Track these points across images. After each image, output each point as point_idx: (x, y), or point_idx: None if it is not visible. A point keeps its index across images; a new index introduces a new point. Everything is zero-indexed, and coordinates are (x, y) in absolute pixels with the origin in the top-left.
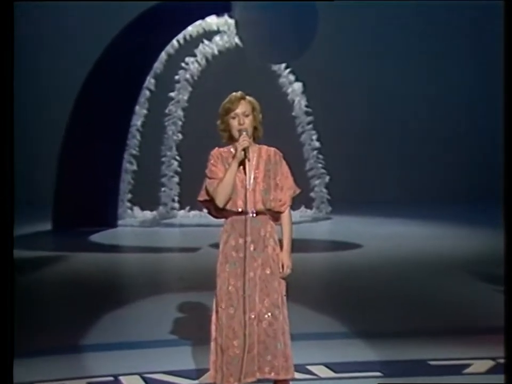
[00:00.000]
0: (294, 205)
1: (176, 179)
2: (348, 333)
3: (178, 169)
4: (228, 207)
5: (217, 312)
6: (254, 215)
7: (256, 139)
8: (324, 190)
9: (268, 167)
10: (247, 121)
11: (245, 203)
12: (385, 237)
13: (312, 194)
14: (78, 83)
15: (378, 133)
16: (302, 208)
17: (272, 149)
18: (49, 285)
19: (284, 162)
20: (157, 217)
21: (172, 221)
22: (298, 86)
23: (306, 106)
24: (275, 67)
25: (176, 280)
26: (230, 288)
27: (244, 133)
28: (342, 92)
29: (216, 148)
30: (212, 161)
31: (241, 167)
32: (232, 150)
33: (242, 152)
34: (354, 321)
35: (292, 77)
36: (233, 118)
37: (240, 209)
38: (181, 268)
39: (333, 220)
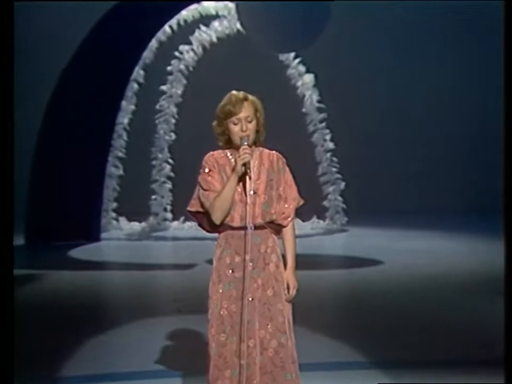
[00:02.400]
0: (305, 216)
1: (169, 185)
2: (365, 362)
3: (171, 174)
4: (224, 221)
5: (208, 339)
6: (252, 229)
7: (257, 143)
8: (339, 198)
9: (271, 176)
10: (251, 127)
11: (245, 218)
12: (409, 252)
13: (325, 203)
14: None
15: (400, 133)
16: (314, 219)
17: (275, 153)
18: (21, 308)
19: (287, 169)
20: (146, 229)
21: (164, 234)
22: (309, 78)
23: (319, 101)
24: (282, 57)
25: (168, 301)
26: (222, 312)
27: (245, 143)
28: (359, 85)
29: (210, 153)
30: (206, 169)
31: (245, 180)
32: (229, 154)
33: (243, 168)
34: (373, 348)
35: (301, 68)
36: (235, 123)
37: (237, 225)
38: (174, 288)
39: (349, 232)
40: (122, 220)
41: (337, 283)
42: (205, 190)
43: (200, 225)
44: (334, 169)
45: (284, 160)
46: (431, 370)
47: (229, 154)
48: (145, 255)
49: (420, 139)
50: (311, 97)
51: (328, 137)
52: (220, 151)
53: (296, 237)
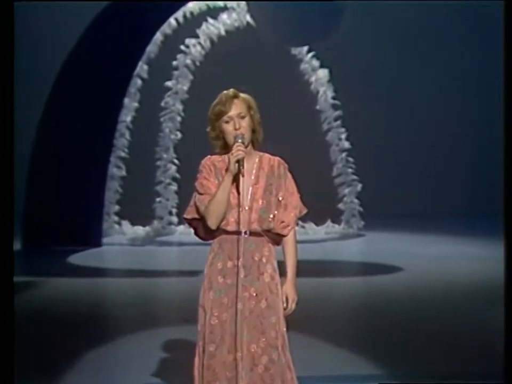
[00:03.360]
0: (319, 220)
1: (174, 187)
2: (382, 375)
3: (177, 175)
4: (219, 226)
5: (198, 350)
6: (247, 235)
7: (255, 144)
8: (355, 201)
9: (270, 181)
10: (244, 124)
11: (238, 222)
12: (430, 258)
13: (340, 206)
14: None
15: (421, 131)
16: (328, 222)
17: (276, 158)
18: (17, 318)
19: (289, 176)
20: (150, 233)
21: (169, 239)
22: (323, 73)
23: (333, 98)
24: (295, 51)
25: (174, 310)
26: (212, 320)
27: (239, 140)
28: (377, 81)
29: (208, 156)
30: (203, 173)
31: (239, 180)
32: (227, 158)
33: (237, 165)
34: (392, 362)
35: (315, 63)
36: (227, 122)
37: (231, 229)
38: (180, 296)
39: (366, 237)
40: (125, 224)
41: (353, 291)
42: (200, 194)
43: (196, 233)
44: (349, 170)
45: (286, 166)
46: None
47: (226, 158)
48: (149, 261)
49: (444, 135)
50: (325, 94)
51: (343, 136)
52: (217, 155)
53: (297, 247)
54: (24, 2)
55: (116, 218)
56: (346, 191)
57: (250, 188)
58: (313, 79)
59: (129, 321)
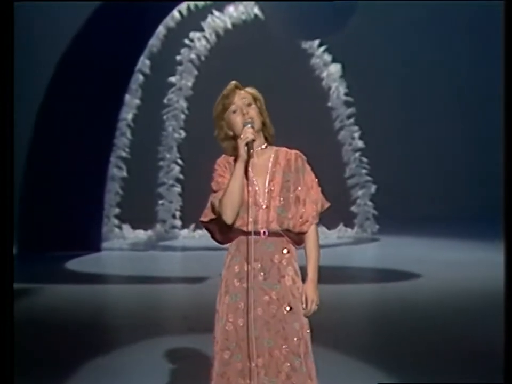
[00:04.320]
0: (330, 223)
1: (178, 189)
2: None
3: (180, 177)
4: (235, 225)
5: (213, 357)
6: (265, 235)
7: (269, 139)
8: (369, 203)
9: (287, 177)
10: (252, 111)
11: (258, 222)
12: (450, 264)
13: (353, 208)
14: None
15: (437, 129)
16: (341, 226)
17: (293, 151)
18: (14, 327)
19: (307, 169)
20: (152, 238)
21: (172, 243)
22: (335, 68)
23: (346, 94)
24: (306, 44)
25: (178, 319)
26: (227, 326)
27: (249, 125)
28: (391, 77)
29: (223, 156)
30: (218, 171)
31: (250, 174)
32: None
33: (246, 148)
34: (409, 373)
35: (327, 57)
36: (234, 112)
37: (248, 229)
38: (184, 304)
39: (381, 242)
40: (126, 228)
41: (366, 299)
42: (215, 191)
43: (212, 236)
44: (363, 170)
45: (304, 158)
46: None
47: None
48: (151, 267)
49: (462, 132)
50: (337, 90)
51: (356, 134)
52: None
53: (319, 245)
54: (24, 2)
55: (116, 221)
56: (360, 193)
57: (267, 185)
58: (324, 74)
59: (130, 330)
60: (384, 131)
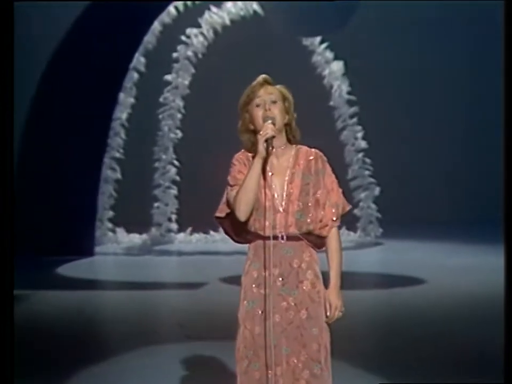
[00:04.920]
0: None
1: (174, 191)
2: None
3: (177, 178)
4: (252, 229)
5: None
6: (284, 240)
7: (292, 142)
8: (372, 206)
9: (306, 180)
10: (276, 110)
11: (276, 226)
12: (456, 269)
13: (356, 211)
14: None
15: (443, 129)
16: (343, 230)
17: (314, 151)
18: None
19: (328, 170)
20: (147, 242)
21: (168, 248)
22: (337, 66)
23: (349, 93)
24: (307, 41)
25: (174, 326)
26: (245, 334)
27: (269, 121)
28: (395, 74)
29: (242, 151)
30: (236, 166)
31: (267, 174)
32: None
33: (265, 144)
34: (412, 380)
35: (329, 55)
36: (258, 105)
37: (267, 234)
38: (181, 311)
39: (385, 246)
40: (120, 231)
41: (370, 305)
42: (231, 186)
43: (226, 232)
44: (366, 172)
45: (325, 158)
46: None
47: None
48: (147, 272)
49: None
50: (339, 88)
51: (359, 135)
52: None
53: (342, 249)
54: (24, 2)
55: (110, 225)
56: (363, 195)
57: (285, 188)
58: (326, 72)
59: (124, 338)
60: (388, 131)
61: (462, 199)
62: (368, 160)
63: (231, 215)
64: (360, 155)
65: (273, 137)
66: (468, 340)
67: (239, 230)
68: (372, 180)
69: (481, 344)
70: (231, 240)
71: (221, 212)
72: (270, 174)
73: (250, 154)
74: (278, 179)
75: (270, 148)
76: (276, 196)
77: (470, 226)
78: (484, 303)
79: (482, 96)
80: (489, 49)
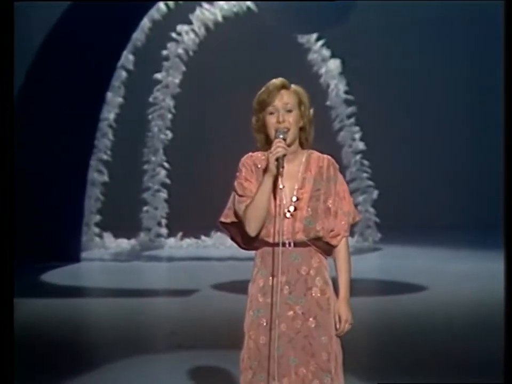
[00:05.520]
0: None
1: (164, 194)
2: None
3: (167, 181)
4: (259, 236)
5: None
6: (291, 247)
7: (305, 144)
8: (371, 210)
9: (317, 186)
10: (290, 119)
11: (280, 232)
12: (457, 275)
13: None
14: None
15: (443, 130)
16: None
17: (326, 157)
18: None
19: (340, 178)
20: (136, 247)
21: (158, 253)
22: (335, 64)
23: (346, 92)
24: (302, 38)
25: (166, 335)
26: (249, 344)
27: (280, 136)
28: (394, 73)
29: (249, 154)
30: (243, 173)
31: (278, 189)
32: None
33: (276, 163)
34: None
35: (326, 52)
36: (271, 113)
37: (274, 241)
38: (171, 319)
39: (384, 251)
40: (107, 237)
41: (369, 312)
42: (240, 196)
43: (233, 239)
44: (364, 174)
45: (337, 166)
46: None
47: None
48: (136, 279)
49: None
50: (336, 88)
51: (357, 136)
52: (260, 152)
53: (350, 259)
54: (24, 2)
55: (97, 230)
56: (361, 198)
57: (295, 193)
58: (323, 70)
59: (113, 348)
60: (387, 132)
61: (463, 204)
62: (366, 162)
63: (239, 223)
64: (358, 157)
65: (284, 155)
66: (469, 348)
67: (246, 237)
68: (370, 182)
69: (482, 352)
70: (222, 246)
71: (226, 217)
72: (281, 186)
73: (258, 159)
74: (288, 185)
75: (281, 169)
76: (284, 202)
77: (471, 231)
78: (484, 310)
79: (482, 97)
80: (489, 49)
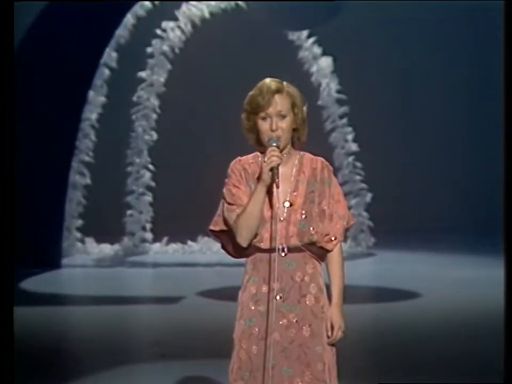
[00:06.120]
0: None
1: (149, 198)
2: None
3: (151, 184)
4: (251, 242)
5: None
6: (285, 253)
7: (297, 144)
8: (364, 214)
9: (311, 188)
10: (284, 125)
11: (270, 238)
12: (453, 281)
13: None
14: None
15: (440, 131)
16: None
17: (319, 159)
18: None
19: (334, 181)
20: (120, 253)
21: (143, 259)
22: (326, 62)
23: (338, 92)
24: (293, 35)
25: (149, 345)
26: (241, 354)
27: (274, 144)
28: (388, 72)
29: (238, 158)
30: (232, 179)
31: (272, 190)
32: (260, 160)
33: (270, 174)
34: None
35: (317, 50)
36: (263, 119)
37: (266, 247)
38: (156, 327)
39: (377, 257)
40: (89, 242)
41: (362, 320)
42: (229, 204)
43: (223, 247)
44: (357, 177)
45: (331, 168)
46: None
47: (260, 160)
48: (119, 285)
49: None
50: (328, 87)
51: (350, 137)
52: (249, 156)
53: (343, 264)
54: (24, 2)
55: (79, 234)
56: (353, 202)
57: (288, 196)
58: (314, 69)
59: (95, 357)
60: (381, 133)
61: (460, 207)
62: (359, 164)
63: (229, 231)
64: (351, 159)
65: (279, 164)
66: (466, 357)
67: (238, 245)
68: (363, 185)
69: (480, 362)
70: (209, 251)
71: (216, 225)
72: (275, 194)
73: (247, 163)
74: (281, 187)
75: (276, 180)
76: (277, 205)
77: (468, 236)
78: (482, 317)
79: (482, 97)
80: (489, 49)
